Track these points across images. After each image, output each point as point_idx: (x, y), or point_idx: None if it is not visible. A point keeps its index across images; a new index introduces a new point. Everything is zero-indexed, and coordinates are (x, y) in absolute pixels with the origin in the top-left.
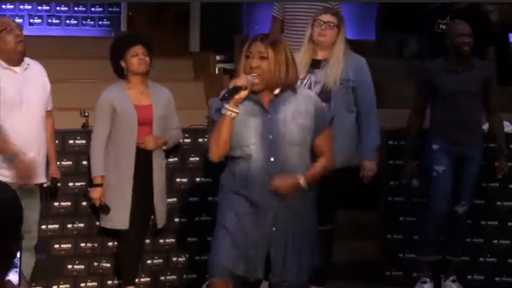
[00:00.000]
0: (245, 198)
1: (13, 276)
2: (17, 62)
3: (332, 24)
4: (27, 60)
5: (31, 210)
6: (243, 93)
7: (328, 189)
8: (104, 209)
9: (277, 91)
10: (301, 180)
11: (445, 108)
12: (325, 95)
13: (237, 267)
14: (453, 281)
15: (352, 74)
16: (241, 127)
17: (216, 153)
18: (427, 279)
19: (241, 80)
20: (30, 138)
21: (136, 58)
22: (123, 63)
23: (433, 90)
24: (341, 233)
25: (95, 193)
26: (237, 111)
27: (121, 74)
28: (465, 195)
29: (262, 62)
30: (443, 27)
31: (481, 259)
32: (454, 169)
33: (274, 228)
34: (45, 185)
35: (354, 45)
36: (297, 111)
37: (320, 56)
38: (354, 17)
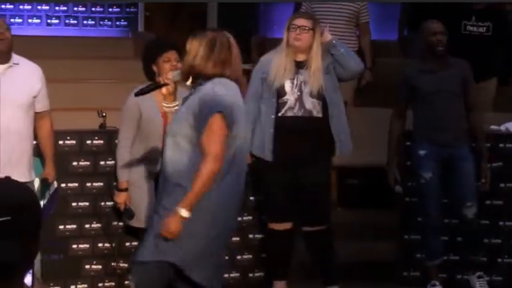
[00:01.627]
0: None
1: (27, 277)
2: None
3: (307, 28)
4: (16, 58)
5: None
6: (170, 88)
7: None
8: (128, 213)
9: (188, 82)
10: (177, 213)
11: (426, 110)
12: (316, 96)
13: None
14: (479, 277)
15: (327, 57)
16: None
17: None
18: (437, 282)
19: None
20: (5, 137)
21: (169, 64)
22: (154, 68)
23: (412, 93)
24: (358, 233)
25: (120, 198)
26: (174, 104)
27: (151, 77)
28: (467, 195)
29: (186, 56)
30: (471, 28)
31: (499, 260)
32: (443, 172)
33: None
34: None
35: (376, 45)
36: (188, 106)
37: (300, 58)
38: (376, 17)
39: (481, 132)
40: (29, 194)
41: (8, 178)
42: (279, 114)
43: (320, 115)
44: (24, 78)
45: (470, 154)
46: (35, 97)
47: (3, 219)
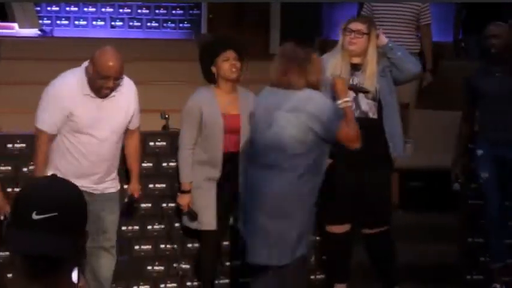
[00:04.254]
0: None
1: (74, 274)
2: None
3: (361, 32)
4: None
5: (106, 212)
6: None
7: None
8: (191, 215)
9: None
10: None
11: (484, 112)
12: (371, 98)
13: None
14: None
15: (383, 60)
16: None
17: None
18: (498, 286)
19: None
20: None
21: (228, 63)
22: (213, 69)
23: (474, 95)
24: (420, 236)
25: (183, 199)
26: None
27: (211, 79)
28: None
29: None
30: None
31: None
32: (501, 173)
33: None
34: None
35: (436, 47)
36: None
37: (356, 60)
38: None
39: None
40: (74, 191)
41: (54, 176)
42: None
43: (375, 116)
44: (124, 99)
45: None
46: (131, 117)
47: (50, 214)
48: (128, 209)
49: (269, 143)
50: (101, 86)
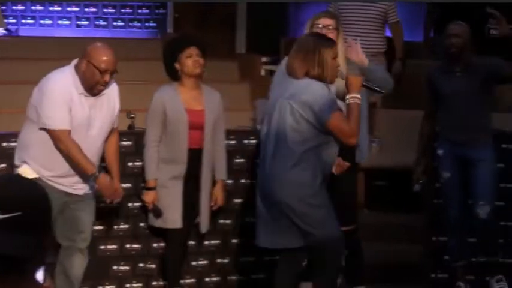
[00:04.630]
0: None
1: (39, 273)
2: None
3: (331, 27)
4: None
5: (84, 212)
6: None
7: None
8: (156, 212)
9: None
10: None
11: (445, 111)
12: (341, 98)
13: None
14: (498, 280)
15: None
16: None
17: (356, 139)
18: (462, 284)
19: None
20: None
21: (191, 60)
22: (177, 65)
23: (435, 94)
24: (385, 235)
25: (148, 196)
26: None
27: (175, 76)
28: (480, 195)
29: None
30: (495, 32)
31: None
32: (462, 172)
33: None
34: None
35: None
36: None
37: None
38: (402, 18)
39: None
40: (39, 191)
41: (18, 175)
42: None
43: None
44: (111, 98)
45: (491, 154)
46: (116, 116)
47: (14, 214)
48: (115, 209)
49: (273, 130)
50: (97, 81)
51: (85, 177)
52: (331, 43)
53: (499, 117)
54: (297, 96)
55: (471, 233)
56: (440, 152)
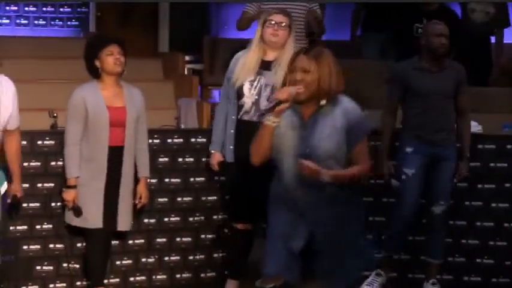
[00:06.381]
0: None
1: None
2: None
3: (284, 25)
4: None
5: None
6: (284, 106)
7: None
8: (77, 211)
9: (323, 102)
10: (324, 172)
11: (419, 109)
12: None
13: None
14: (433, 283)
15: None
16: (279, 139)
17: (256, 159)
18: (382, 273)
19: (283, 94)
20: None
21: (112, 57)
22: (97, 63)
23: (406, 90)
24: None
25: (69, 195)
26: (278, 121)
27: (95, 74)
28: (442, 195)
29: (306, 75)
30: (421, 31)
31: (478, 260)
32: (426, 171)
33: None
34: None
35: (327, 45)
36: (334, 126)
37: (270, 56)
38: (328, 18)
39: (467, 135)
40: None
41: None
42: (238, 117)
43: None
44: (5, 99)
45: (455, 155)
46: (9, 117)
47: None
48: (14, 209)
49: None
50: None
51: None
52: None
53: None
54: None
55: (413, 232)
56: (408, 149)
